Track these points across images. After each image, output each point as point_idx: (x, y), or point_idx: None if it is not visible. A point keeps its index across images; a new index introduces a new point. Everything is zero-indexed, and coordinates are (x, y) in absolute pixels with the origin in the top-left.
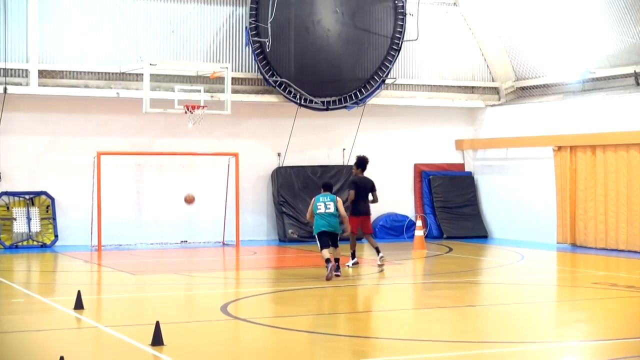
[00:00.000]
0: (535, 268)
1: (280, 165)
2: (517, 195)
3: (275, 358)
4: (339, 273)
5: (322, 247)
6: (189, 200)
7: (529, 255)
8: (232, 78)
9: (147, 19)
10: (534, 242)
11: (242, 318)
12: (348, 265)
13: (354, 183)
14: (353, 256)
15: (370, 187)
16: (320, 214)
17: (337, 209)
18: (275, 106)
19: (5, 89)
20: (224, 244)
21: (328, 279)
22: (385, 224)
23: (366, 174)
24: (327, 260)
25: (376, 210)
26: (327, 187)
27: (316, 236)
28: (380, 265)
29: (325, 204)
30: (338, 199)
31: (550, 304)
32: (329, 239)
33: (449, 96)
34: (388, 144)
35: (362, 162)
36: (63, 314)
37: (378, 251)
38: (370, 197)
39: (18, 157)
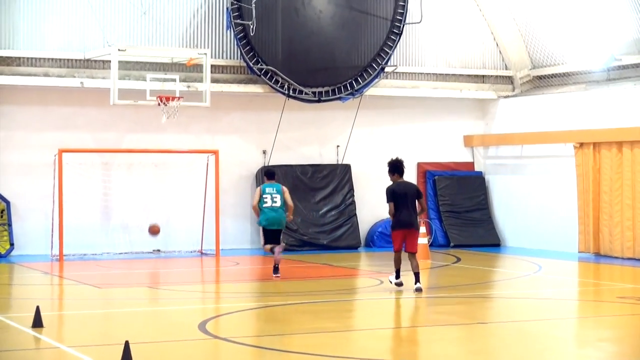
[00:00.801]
0: (554, 280)
1: (266, 164)
2: (533, 199)
3: None
4: (278, 275)
5: (266, 242)
6: (154, 231)
7: (547, 266)
8: (212, 66)
9: None
10: (552, 252)
11: (222, 337)
12: (391, 281)
13: (392, 193)
14: (397, 273)
15: (413, 193)
16: (267, 207)
17: (284, 201)
18: (260, 97)
19: None
20: (202, 253)
21: (275, 259)
22: (385, 231)
23: (361, 173)
24: (272, 249)
25: (374, 216)
26: (271, 175)
27: (261, 228)
28: (417, 290)
29: (272, 197)
30: (284, 188)
31: (571, 321)
32: (274, 234)
33: (457, 86)
34: (388, 141)
35: (395, 167)
36: (19, 333)
37: (417, 279)
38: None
39: None
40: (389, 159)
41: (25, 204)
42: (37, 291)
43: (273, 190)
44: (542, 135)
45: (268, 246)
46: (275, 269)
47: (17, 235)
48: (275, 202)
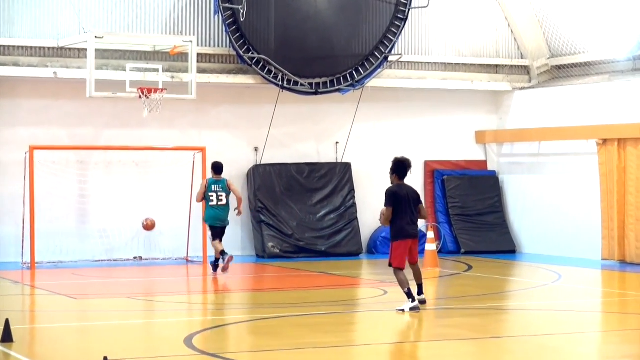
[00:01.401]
0: (575, 291)
1: (258, 163)
2: (552, 200)
3: None
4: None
5: (214, 238)
6: (150, 227)
7: (568, 275)
8: (198, 54)
9: None
10: (573, 259)
11: (210, 353)
12: (404, 310)
13: (393, 195)
14: (410, 295)
15: (415, 198)
16: (212, 205)
17: (228, 201)
18: (251, 89)
19: None
20: (188, 260)
21: (224, 270)
22: (389, 236)
23: (363, 173)
24: (222, 252)
25: (377, 219)
26: (218, 170)
27: (208, 226)
28: (421, 303)
29: (217, 195)
30: (229, 182)
31: (594, 335)
32: (221, 230)
33: (468, 77)
34: (392, 137)
35: (401, 167)
36: None
37: (420, 291)
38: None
39: None
40: (396, 157)
41: None
42: (7, 302)
43: (219, 187)
44: (561, 131)
45: (219, 245)
46: (215, 267)
47: None
48: (221, 200)
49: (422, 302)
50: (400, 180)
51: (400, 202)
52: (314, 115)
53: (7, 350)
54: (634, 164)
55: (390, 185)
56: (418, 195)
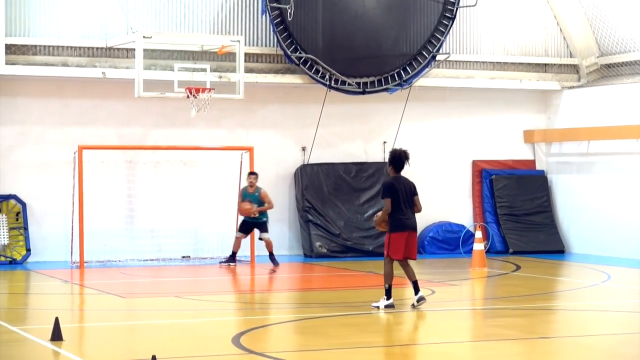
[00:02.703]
0: (625, 291)
1: (306, 163)
2: (601, 200)
3: None
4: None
5: (240, 229)
6: (246, 211)
7: (617, 275)
8: (245, 54)
9: None
10: (622, 259)
11: (258, 352)
12: (379, 307)
13: (390, 187)
14: (389, 293)
15: (411, 190)
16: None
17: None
18: (298, 89)
19: None
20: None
21: (220, 266)
22: (437, 236)
23: (410, 172)
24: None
25: (425, 219)
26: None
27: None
28: (414, 306)
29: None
30: (263, 193)
31: None
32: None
33: (516, 76)
34: (439, 136)
35: (396, 159)
36: (37, 347)
37: (417, 289)
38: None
39: None
40: (393, 148)
41: (43, 206)
42: (56, 301)
43: (250, 201)
44: (611, 130)
45: (238, 243)
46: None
47: (33, 240)
48: (254, 213)
49: (421, 299)
50: (396, 172)
51: (397, 194)
52: (362, 114)
53: (57, 349)
54: None
55: (387, 177)
56: (414, 188)
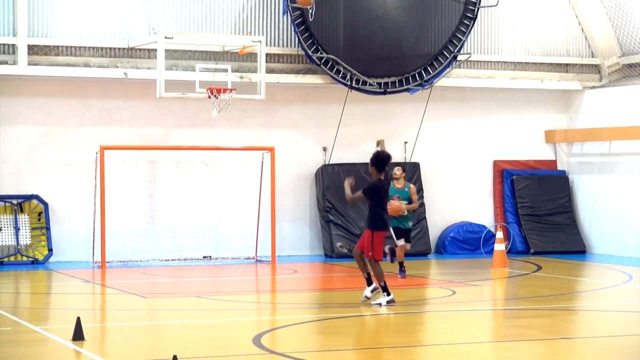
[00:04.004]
0: None
1: (327, 163)
2: (623, 200)
3: None
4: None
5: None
6: (397, 209)
7: (639, 276)
8: (267, 54)
9: None
10: None
11: (279, 352)
12: (381, 304)
13: (375, 189)
14: (386, 289)
15: (387, 191)
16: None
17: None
18: (319, 89)
19: None
20: (257, 260)
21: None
22: (457, 236)
23: (431, 172)
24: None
25: (446, 219)
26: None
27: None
28: (367, 298)
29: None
30: (412, 186)
31: None
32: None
33: (537, 76)
34: (460, 137)
35: (378, 161)
36: (59, 346)
37: (369, 281)
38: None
39: (3, 153)
40: (377, 151)
41: (65, 206)
42: (78, 301)
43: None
44: (632, 130)
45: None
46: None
47: (55, 240)
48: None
49: (368, 298)
50: (379, 173)
51: (380, 195)
52: (383, 115)
53: (79, 349)
54: None
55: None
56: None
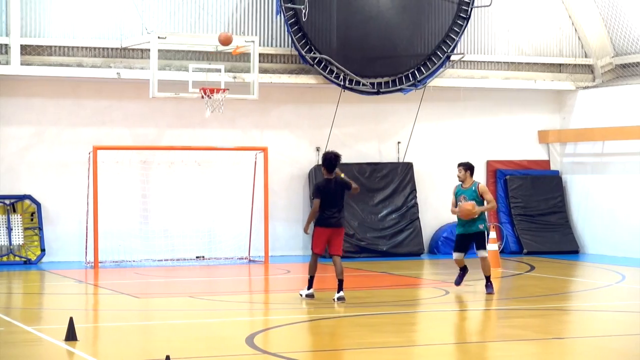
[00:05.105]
0: (639, 292)
1: (320, 163)
2: (616, 201)
3: None
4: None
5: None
6: (468, 211)
7: (632, 276)
8: (260, 54)
9: None
10: (638, 259)
11: (272, 352)
12: (302, 295)
13: (318, 189)
14: (310, 283)
15: (341, 190)
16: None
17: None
18: (313, 89)
19: None
20: (250, 260)
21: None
22: (451, 236)
23: (425, 172)
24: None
25: (439, 219)
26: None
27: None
28: (339, 300)
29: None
30: (480, 186)
31: None
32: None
33: (531, 76)
34: (454, 137)
35: (326, 161)
36: (51, 347)
37: (340, 287)
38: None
39: None
40: (327, 152)
41: (57, 206)
42: (71, 301)
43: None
44: (625, 131)
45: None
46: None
47: (48, 241)
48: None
49: (341, 299)
50: (329, 173)
51: (326, 194)
52: (376, 115)
53: (71, 349)
54: None
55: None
56: (345, 184)
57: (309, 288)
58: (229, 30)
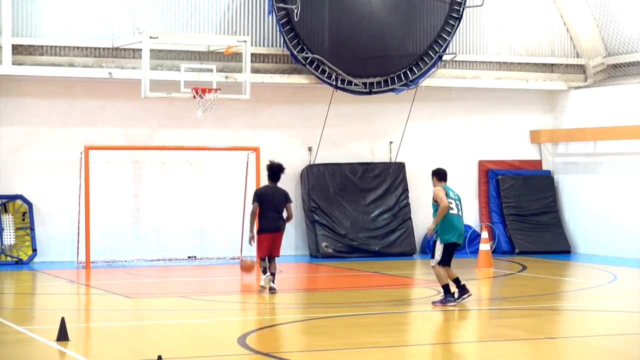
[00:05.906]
0: (631, 291)
1: (312, 163)
2: (608, 200)
3: None
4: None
5: (444, 262)
6: (247, 268)
7: (624, 276)
8: (252, 54)
9: None
10: (629, 259)
11: (264, 352)
12: (263, 286)
13: (255, 195)
14: (265, 272)
15: (281, 198)
16: (454, 214)
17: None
18: (305, 89)
19: None
20: (242, 260)
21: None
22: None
23: (417, 172)
24: (458, 282)
25: (431, 219)
26: (443, 176)
27: (442, 245)
28: (262, 287)
29: (456, 203)
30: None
31: None
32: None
33: (523, 76)
34: (446, 137)
35: (269, 170)
36: (43, 347)
37: (273, 279)
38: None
39: None
40: (271, 162)
41: (49, 206)
42: (62, 301)
43: (455, 195)
44: (617, 131)
45: (443, 271)
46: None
47: (40, 240)
48: (460, 209)
49: (272, 290)
50: (273, 181)
51: (263, 200)
52: (368, 115)
53: (63, 349)
54: None
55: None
56: (286, 195)
57: (265, 274)
58: (221, 30)
